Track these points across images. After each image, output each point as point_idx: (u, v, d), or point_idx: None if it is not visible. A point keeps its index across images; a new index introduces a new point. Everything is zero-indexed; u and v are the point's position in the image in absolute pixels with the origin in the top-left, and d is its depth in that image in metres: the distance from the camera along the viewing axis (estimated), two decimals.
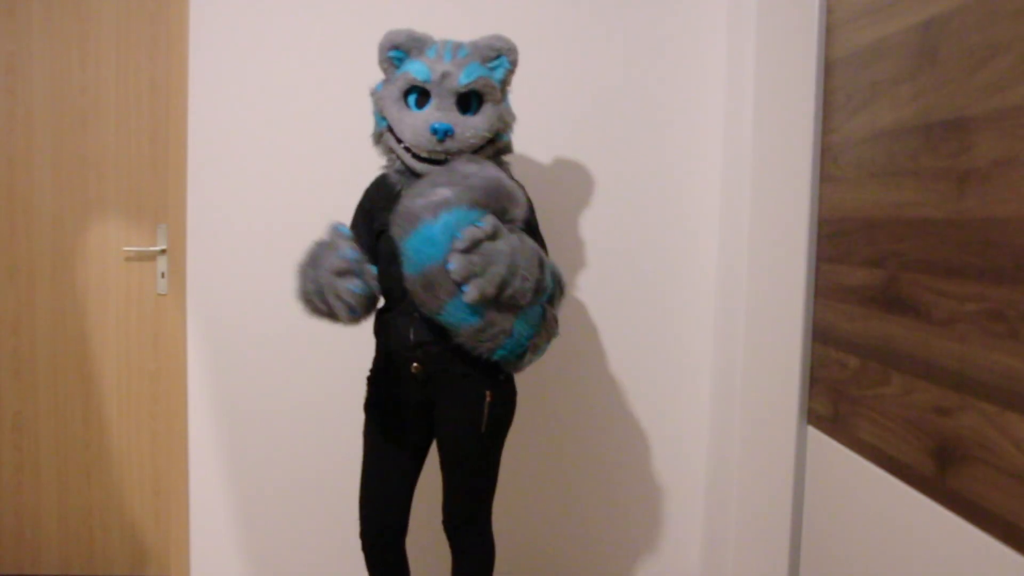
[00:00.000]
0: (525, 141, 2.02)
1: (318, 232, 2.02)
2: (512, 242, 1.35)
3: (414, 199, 1.35)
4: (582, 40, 2.01)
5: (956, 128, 1.17)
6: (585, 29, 2.01)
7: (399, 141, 1.46)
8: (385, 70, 1.51)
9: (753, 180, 1.84)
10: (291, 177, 2.00)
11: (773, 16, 1.79)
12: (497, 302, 1.34)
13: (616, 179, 2.04)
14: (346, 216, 2.03)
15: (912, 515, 1.24)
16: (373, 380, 1.56)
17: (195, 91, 1.98)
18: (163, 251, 2.07)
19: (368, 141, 2.11)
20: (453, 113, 1.42)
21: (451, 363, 1.43)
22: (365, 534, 1.56)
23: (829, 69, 1.63)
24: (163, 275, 2.07)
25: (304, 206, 2.00)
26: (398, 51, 1.48)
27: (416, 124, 1.42)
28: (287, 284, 2.04)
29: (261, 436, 2.06)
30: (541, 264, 1.40)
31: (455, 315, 1.34)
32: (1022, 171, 1.02)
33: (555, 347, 2.05)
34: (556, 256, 2.06)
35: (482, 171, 1.38)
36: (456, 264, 1.30)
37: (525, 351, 1.41)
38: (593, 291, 2.07)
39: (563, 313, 2.08)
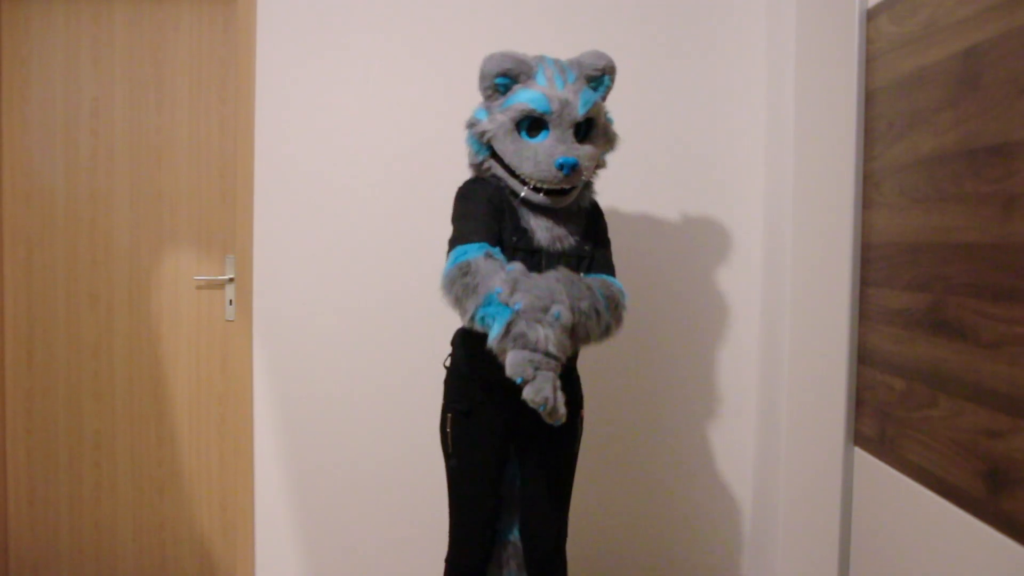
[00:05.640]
0: None
1: (377, 262, 2.11)
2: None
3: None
4: (623, 87, 2.06)
5: (1001, 153, 1.18)
6: (626, 72, 2.05)
7: (510, 172, 1.39)
8: (489, 96, 1.42)
9: (795, 207, 1.86)
10: (351, 211, 2.11)
11: (812, 47, 1.82)
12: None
13: (660, 206, 2.09)
14: (408, 256, 2.10)
15: (964, 537, 1.24)
16: (470, 413, 1.47)
17: (261, 130, 2.11)
18: (231, 280, 2.20)
19: (427, 175, 2.20)
20: (573, 144, 1.36)
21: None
22: (452, 562, 1.53)
23: (870, 98, 1.65)
24: (231, 302, 2.20)
25: (364, 238, 2.10)
26: (505, 77, 1.39)
27: (538, 157, 1.35)
28: (347, 311, 2.14)
29: (323, 455, 2.14)
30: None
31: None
32: None
33: (601, 366, 2.10)
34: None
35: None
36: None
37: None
38: (641, 315, 2.11)
39: (615, 338, 2.11)
